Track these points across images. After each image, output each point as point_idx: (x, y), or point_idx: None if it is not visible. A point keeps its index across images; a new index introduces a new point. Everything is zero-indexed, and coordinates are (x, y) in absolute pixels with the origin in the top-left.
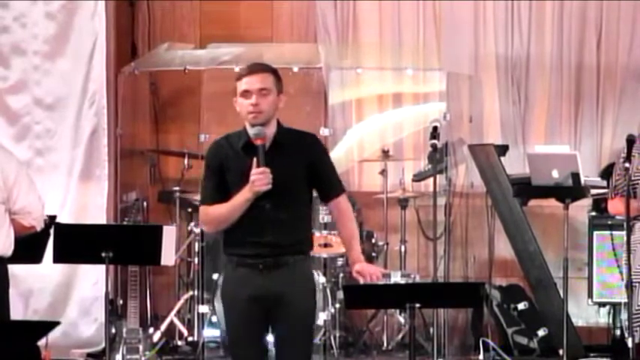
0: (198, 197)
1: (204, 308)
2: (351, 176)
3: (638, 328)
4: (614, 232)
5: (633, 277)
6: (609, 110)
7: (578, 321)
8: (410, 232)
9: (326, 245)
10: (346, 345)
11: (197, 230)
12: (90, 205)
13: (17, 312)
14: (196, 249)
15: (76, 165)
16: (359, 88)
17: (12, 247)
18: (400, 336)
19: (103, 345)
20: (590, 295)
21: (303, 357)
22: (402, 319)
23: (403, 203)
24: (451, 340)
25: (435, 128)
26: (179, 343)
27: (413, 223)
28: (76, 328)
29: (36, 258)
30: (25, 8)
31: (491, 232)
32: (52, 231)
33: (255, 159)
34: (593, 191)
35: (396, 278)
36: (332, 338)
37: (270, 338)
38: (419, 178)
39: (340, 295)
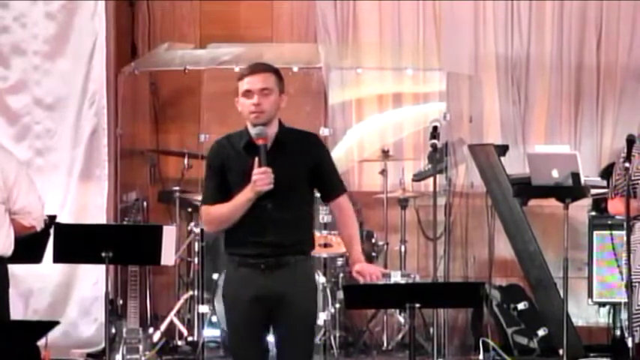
0: (198, 197)
1: (204, 308)
2: (351, 176)
3: (638, 328)
4: (614, 232)
5: (633, 277)
6: (609, 110)
7: (578, 321)
8: (410, 232)
9: (326, 245)
10: (346, 345)
11: (197, 230)
12: (90, 205)
13: (17, 312)
14: (196, 249)
15: (76, 165)
16: (359, 88)
17: (12, 247)
18: (400, 336)
19: (103, 345)
20: (590, 295)
21: (305, 357)
22: (402, 319)
23: (403, 203)
24: (451, 340)
25: (435, 128)
26: (179, 343)
27: (413, 223)
28: (76, 328)
29: (36, 258)
30: (25, 8)
31: (491, 232)
32: (52, 231)
33: (256, 159)
34: (593, 191)
35: (396, 278)
36: (332, 338)
37: (270, 338)
38: (419, 178)
39: (340, 295)
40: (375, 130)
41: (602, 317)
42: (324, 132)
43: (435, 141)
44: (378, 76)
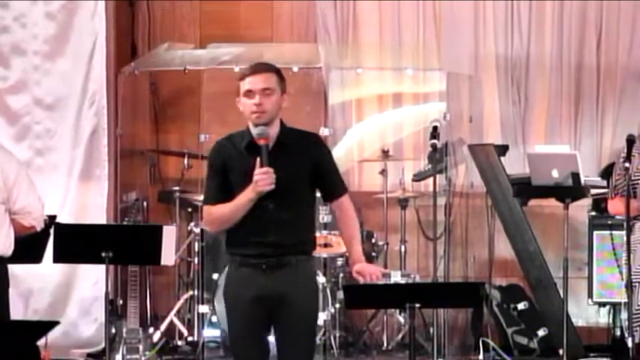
0: (198, 197)
1: (204, 308)
2: (351, 176)
3: (638, 328)
4: (614, 232)
5: (633, 277)
6: (609, 110)
7: (578, 321)
8: (410, 232)
9: (326, 245)
10: (346, 345)
11: (197, 230)
12: (90, 205)
13: (17, 312)
14: (196, 249)
15: (76, 165)
16: (359, 88)
17: (12, 247)
18: (400, 336)
19: (103, 345)
20: (590, 295)
21: (306, 357)
22: (402, 319)
23: (403, 203)
24: (451, 340)
25: (435, 128)
26: (179, 343)
27: (413, 223)
28: (76, 328)
29: (36, 258)
30: (25, 8)
31: (491, 232)
32: (52, 231)
33: (258, 159)
34: (593, 191)
35: (396, 278)
36: (332, 338)
37: (271, 338)
38: (419, 178)
39: (340, 295)
40: (375, 130)
41: (602, 317)
42: (324, 132)
43: (435, 141)
44: (378, 76)
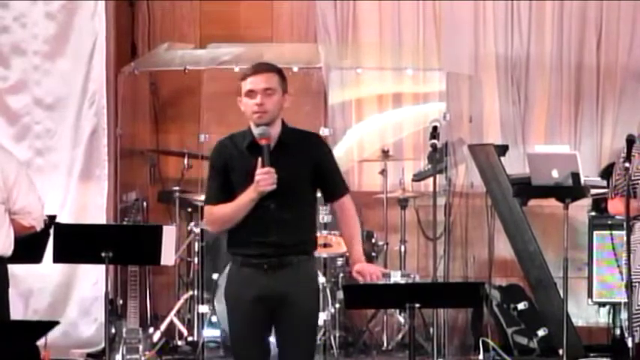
0: (197, 197)
1: (204, 308)
2: (351, 176)
3: (638, 328)
4: (614, 232)
5: (633, 277)
6: (609, 110)
7: (578, 321)
8: (410, 232)
9: (326, 245)
10: (346, 345)
11: (197, 230)
12: (90, 205)
13: (17, 312)
14: (196, 249)
15: (76, 165)
16: (359, 88)
17: (12, 247)
18: (400, 336)
19: (103, 345)
20: (590, 295)
21: (307, 357)
22: (401, 319)
23: (403, 203)
24: (451, 340)
25: (435, 128)
26: (179, 343)
27: (413, 223)
28: (75, 328)
29: (36, 258)
30: (25, 8)
31: (491, 232)
32: (51, 231)
33: (259, 159)
34: (593, 191)
35: (396, 278)
36: (332, 338)
37: (272, 338)
38: (419, 178)
39: (340, 295)
40: (375, 130)
41: (602, 317)
42: (324, 132)
43: (434, 141)
44: (378, 76)
